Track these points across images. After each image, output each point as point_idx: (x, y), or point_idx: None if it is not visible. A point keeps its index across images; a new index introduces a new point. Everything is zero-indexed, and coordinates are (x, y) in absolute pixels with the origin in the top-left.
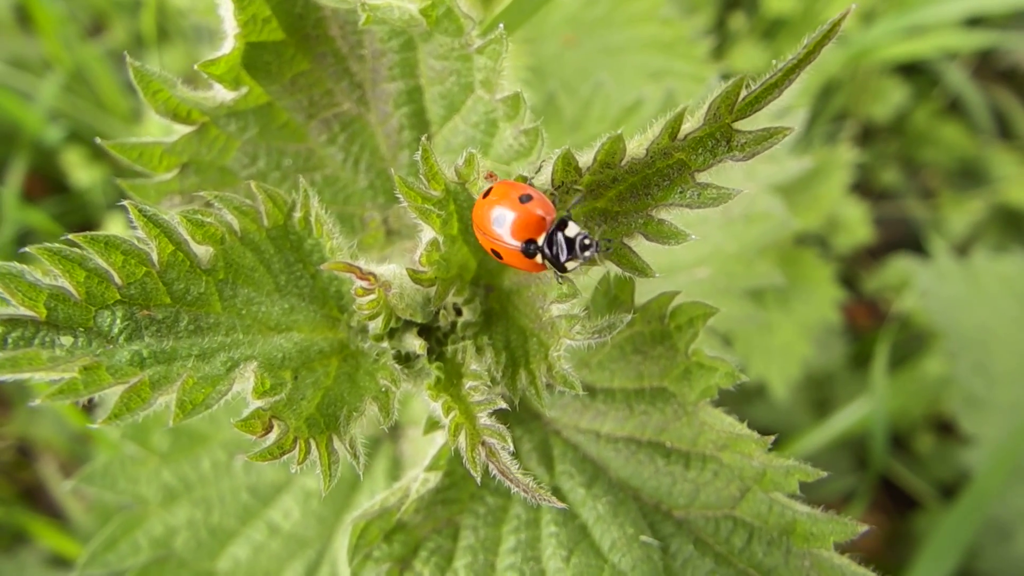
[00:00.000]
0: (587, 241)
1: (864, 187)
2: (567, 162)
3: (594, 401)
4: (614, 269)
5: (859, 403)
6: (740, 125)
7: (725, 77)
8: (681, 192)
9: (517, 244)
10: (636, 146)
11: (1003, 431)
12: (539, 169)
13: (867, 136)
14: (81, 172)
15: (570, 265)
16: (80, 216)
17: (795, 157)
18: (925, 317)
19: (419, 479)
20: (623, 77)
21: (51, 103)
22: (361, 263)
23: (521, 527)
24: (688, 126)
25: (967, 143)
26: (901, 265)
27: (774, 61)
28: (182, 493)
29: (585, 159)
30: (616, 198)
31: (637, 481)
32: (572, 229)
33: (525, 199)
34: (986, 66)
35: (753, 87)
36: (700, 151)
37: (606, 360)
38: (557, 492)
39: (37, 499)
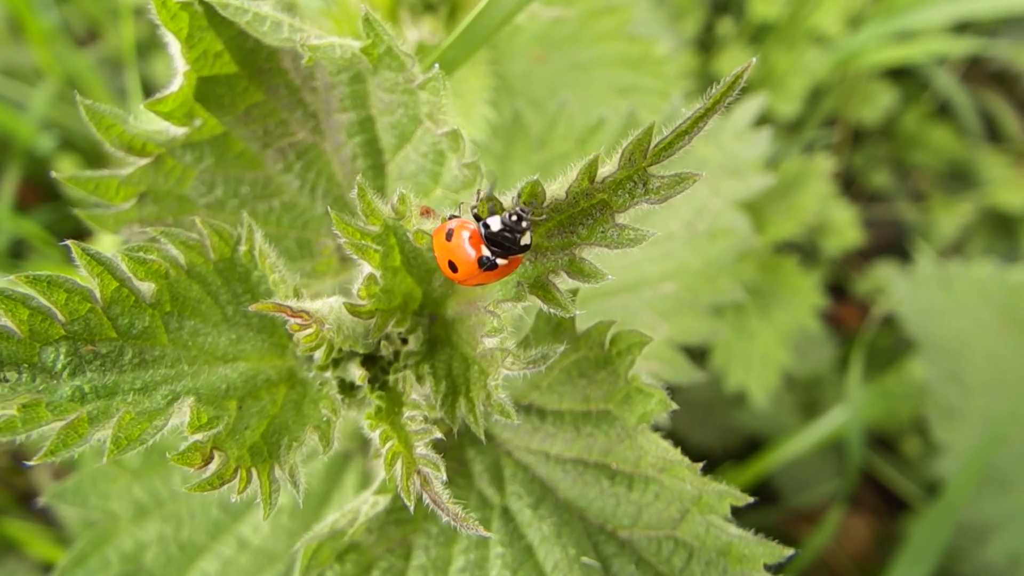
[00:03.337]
0: (514, 218)
1: (855, 189)
2: (491, 202)
3: (544, 423)
4: (541, 304)
5: (839, 409)
6: (655, 170)
7: (688, 94)
8: (603, 232)
9: (475, 267)
10: (557, 187)
11: (977, 440)
12: (460, 207)
13: (858, 139)
14: None
15: (524, 241)
16: (72, 223)
17: (761, 173)
18: (904, 325)
19: (368, 502)
20: (591, 93)
21: (43, 112)
22: (292, 302)
23: (471, 547)
24: (605, 170)
25: (957, 146)
26: (883, 272)
27: (684, 109)
28: (153, 509)
29: (508, 200)
30: (546, 234)
31: (583, 502)
32: (495, 223)
33: (449, 236)
34: (976, 69)
35: (665, 134)
36: (620, 192)
37: (555, 383)
38: (506, 512)
39: (31, 505)
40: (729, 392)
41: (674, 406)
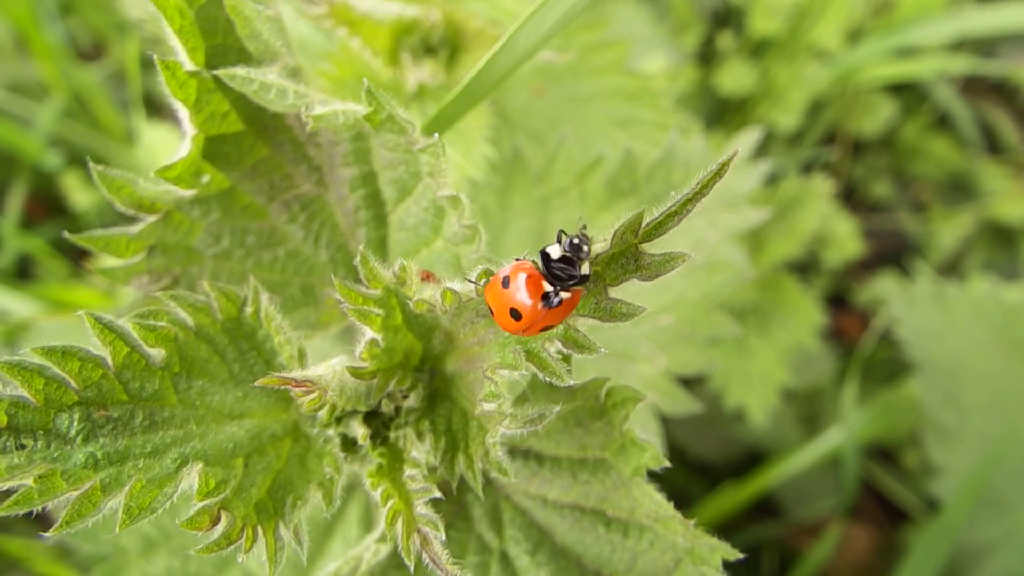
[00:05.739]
0: (576, 241)
1: (856, 200)
2: (489, 275)
3: (542, 468)
4: (537, 372)
5: (835, 429)
6: (646, 247)
7: (683, 129)
8: (596, 304)
9: (540, 307)
10: None
11: (974, 461)
12: (465, 279)
13: (858, 150)
14: (80, 195)
15: (584, 270)
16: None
17: (757, 207)
18: (903, 347)
19: (371, 549)
20: (590, 125)
21: (50, 128)
22: (296, 372)
23: None
24: (599, 246)
25: (957, 157)
26: (882, 288)
27: (673, 192)
28: (161, 543)
29: (506, 270)
30: None
31: (580, 548)
32: (555, 250)
33: (505, 283)
34: (976, 81)
35: (656, 214)
36: (612, 267)
37: (553, 430)
38: (505, 557)
39: (42, 521)
40: (730, 410)
41: (667, 463)
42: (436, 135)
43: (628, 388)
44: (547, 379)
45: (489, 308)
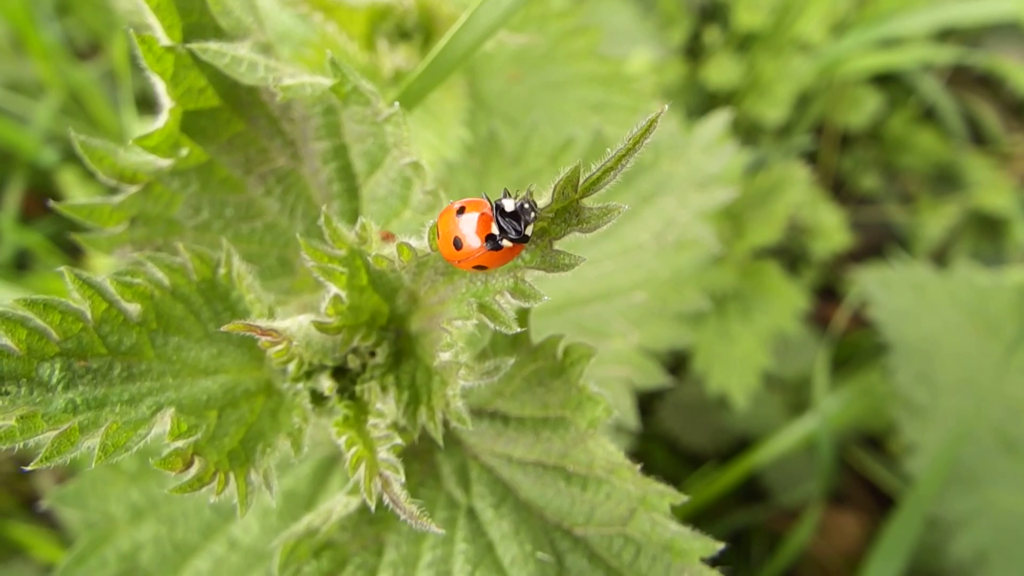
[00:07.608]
0: (526, 206)
1: (845, 192)
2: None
3: (507, 428)
4: (488, 323)
5: (810, 416)
6: (587, 202)
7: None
8: (543, 257)
9: (481, 246)
10: None
11: (945, 438)
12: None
13: (846, 142)
14: (77, 190)
15: (528, 231)
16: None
17: (725, 186)
18: (880, 328)
19: (341, 502)
20: (566, 110)
21: (46, 125)
22: (262, 322)
23: (438, 544)
24: (542, 202)
25: (943, 149)
26: (860, 276)
27: (608, 149)
28: (148, 511)
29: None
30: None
31: (542, 501)
32: (509, 204)
33: (460, 212)
34: (961, 73)
35: (593, 170)
36: (556, 222)
37: (517, 391)
38: (471, 512)
39: (35, 509)
40: (712, 394)
41: (616, 413)
42: (396, 104)
43: (583, 345)
44: (496, 327)
45: (437, 231)
